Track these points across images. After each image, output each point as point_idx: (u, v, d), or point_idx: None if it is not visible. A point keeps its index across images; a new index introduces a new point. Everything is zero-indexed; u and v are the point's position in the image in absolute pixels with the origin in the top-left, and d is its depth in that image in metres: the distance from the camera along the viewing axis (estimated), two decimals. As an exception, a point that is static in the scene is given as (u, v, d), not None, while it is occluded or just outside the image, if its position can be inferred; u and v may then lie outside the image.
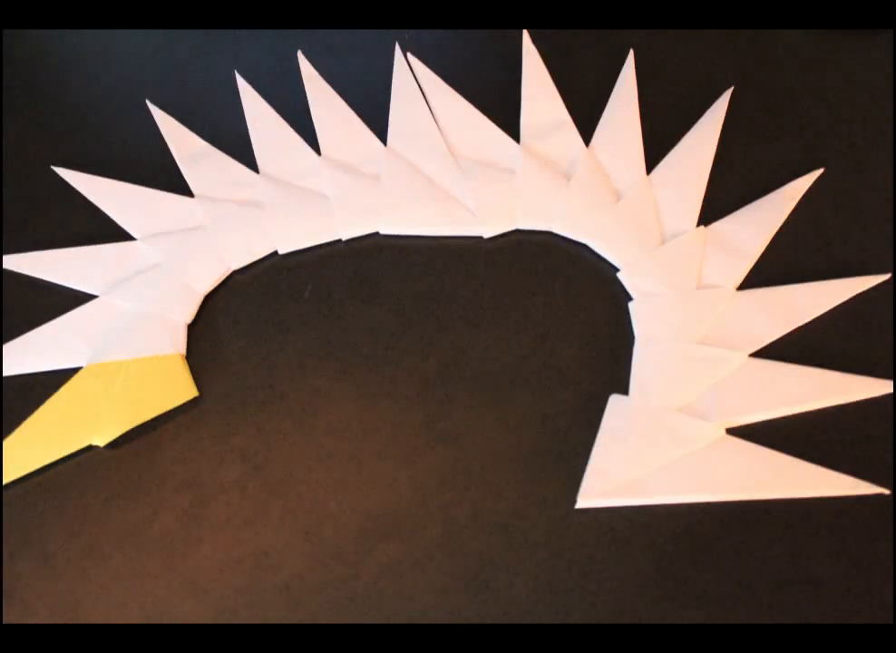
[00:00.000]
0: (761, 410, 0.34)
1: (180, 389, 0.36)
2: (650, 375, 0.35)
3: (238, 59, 0.45)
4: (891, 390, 0.34)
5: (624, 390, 0.35)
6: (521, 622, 0.32)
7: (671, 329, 0.36)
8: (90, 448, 0.35)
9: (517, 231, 0.39)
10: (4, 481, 0.35)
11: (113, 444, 0.35)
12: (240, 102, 0.43)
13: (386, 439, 0.35)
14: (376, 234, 0.40)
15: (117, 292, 0.38)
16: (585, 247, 0.39)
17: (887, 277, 0.36)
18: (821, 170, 0.39)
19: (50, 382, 0.36)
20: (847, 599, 0.32)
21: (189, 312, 0.38)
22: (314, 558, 0.33)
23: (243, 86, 0.44)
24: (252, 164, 0.41)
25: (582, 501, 0.33)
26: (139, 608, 0.33)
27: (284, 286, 0.39)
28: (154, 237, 0.39)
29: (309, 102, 0.43)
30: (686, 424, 0.33)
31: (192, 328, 0.38)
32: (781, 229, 0.38)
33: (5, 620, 0.33)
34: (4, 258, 0.40)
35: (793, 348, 0.35)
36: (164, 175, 0.41)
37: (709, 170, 0.39)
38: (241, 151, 0.42)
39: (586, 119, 0.41)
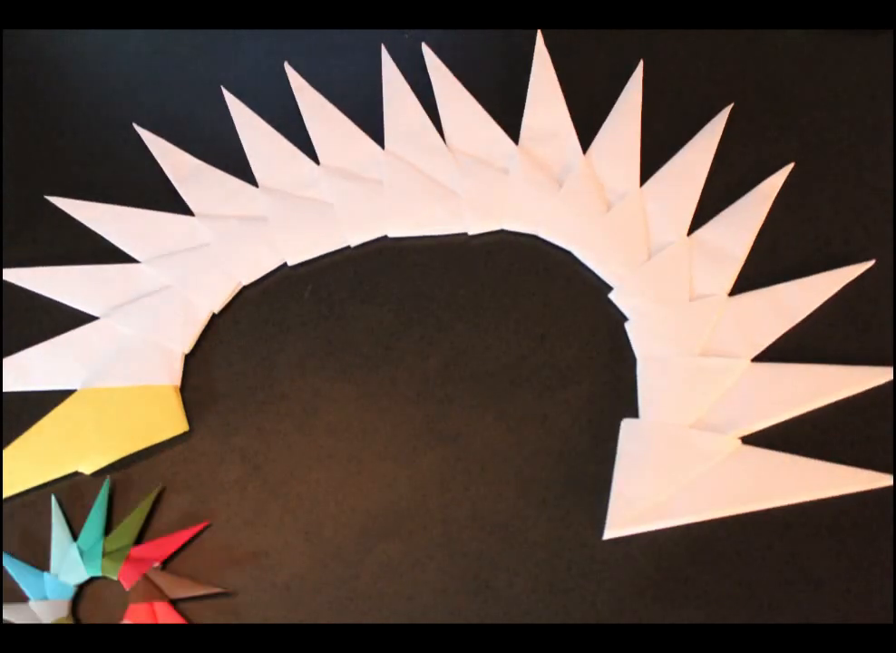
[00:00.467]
0: (772, 415, 0.34)
1: (171, 422, 0.35)
2: (658, 394, 0.35)
3: (225, 68, 0.44)
4: (891, 377, 0.34)
5: (625, 389, 0.35)
6: (521, 622, 0.32)
7: (671, 345, 0.36)
8: (76, 474, 0.35)
9: (502, 231, 0.39)
10: None
11: (99, 472, 0.35)
12: (229, 115, 0.42)
13: (386, 439, 0.35)
14: (384, 238, 0.40)
15: (118, 315, 0.38)
16: (569, 253, 0.39)
17: (871, 263, 0.36)
18: (791, 165, 0.39)
19: (43, 400, 0.36)
20: (847, 599, 0.32)
21: (188, 341, 0.37)
22: (314, 558, 0.33)
23: (231, 100, 0.43)
24: (248, 178, 0.41)
25: (609, 532, 0.33)
26: (139, 608, 0.33)
27: (286, 288, 0.39)
28: (159, 258, 0.39)
29: (302, 113, 0.42)
30: (702, 440, 0.33)
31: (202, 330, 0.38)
32: (781, 229, 0.38)
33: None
34: (5, 271, 0.39)
35: (792, 347, 0.36)
36: (159, 195, 0.41)
37: (703, 184, 0.39)
38: (236, 165, 0.41)
39: (587, 122, 0.41)
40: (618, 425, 0.34)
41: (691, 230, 0.38)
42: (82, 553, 0.33)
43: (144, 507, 0.34)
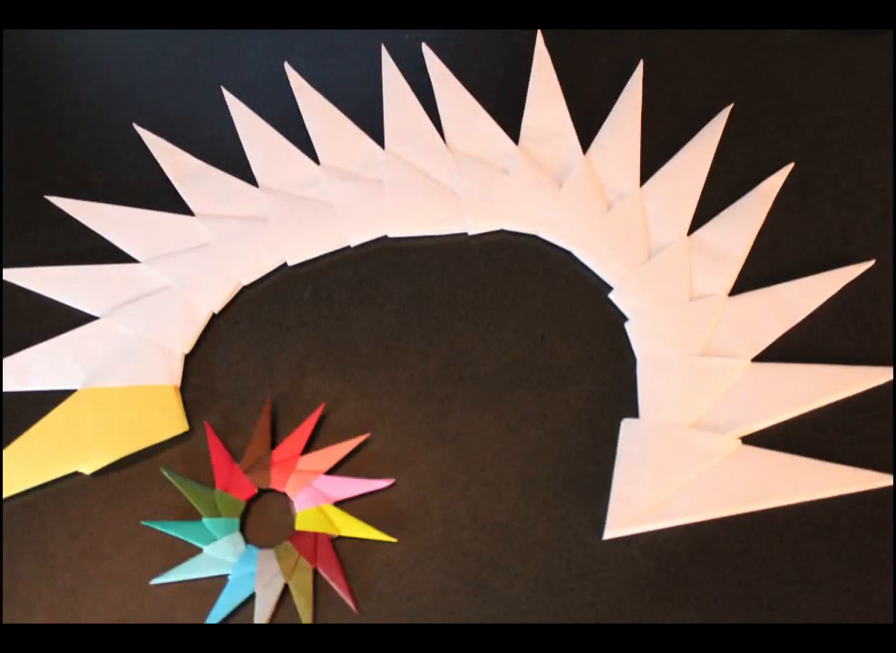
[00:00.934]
0: (772, 414, 0.34)
1: (171, 422, 0.35)
2: (658, 394, 0.35)
3: (225, 68, 0.44)
4: (891, 377, 0.34)
5: (625, 389, 0.35)
6: (521, 622, 0.32)
7: (671, 345, 0.36)
8: (76, 474, 0.35)
9: (502, 231, 0.39)
10: None
11: (99, 472, 0.35)
12: (229, 115, 0.42)
13: (386, 439, 0.35)
14: (384, 238, 0.40)
15: (118, 315, 0.38)
16: (569, 253, 0.39)
17: (871, 263, 0.36)
18: (791, 165, 0.39)
19: (43, 400, 0.36)
20: (847, 599, 0.32)
21: (188, 341, 0.37)
22: (314, 558, 0.33)
23: (231, 100, 0.42)
24: (248, 178, 0.41)
25: (609, 532, 0.33)
26: (139, 608, 0.33)
27: (286, 288, 0.39)
28: (159, 258, 0.39)
29: (302, 113, 0.42)
30: (702, 440, 0.33)
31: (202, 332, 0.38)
32: (781, 229, 0.38)
33: (5, 620, 0.33)
34: (5, 271, 0.39)
35: (792, 347, 0.36)
36: (159, 195, 0.40)
37: (703, 184, 0.39)
38: (236, 165, 0.41)
39: (587, 122, 0.41)
40: (618, 425, 0.34)
41: (691, 230, 0.38)
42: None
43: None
